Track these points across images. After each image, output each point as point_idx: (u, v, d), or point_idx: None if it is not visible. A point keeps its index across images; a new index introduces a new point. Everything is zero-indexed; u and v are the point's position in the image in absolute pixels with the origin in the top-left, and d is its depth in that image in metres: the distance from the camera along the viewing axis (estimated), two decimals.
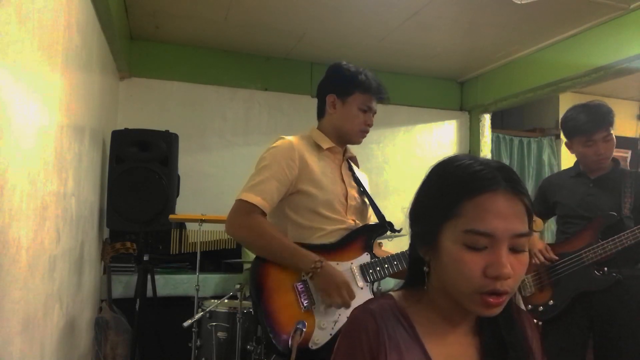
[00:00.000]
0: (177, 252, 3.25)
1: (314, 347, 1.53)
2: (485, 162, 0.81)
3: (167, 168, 2.89)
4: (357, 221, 1.77)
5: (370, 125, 1.79)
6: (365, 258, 1.71)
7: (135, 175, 2.81)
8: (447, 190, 0.80)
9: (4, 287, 1.19)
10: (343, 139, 1.80)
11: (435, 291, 0.84)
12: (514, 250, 0.77)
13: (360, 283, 1.66)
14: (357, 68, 1.78)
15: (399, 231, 1.80)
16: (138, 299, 2.77)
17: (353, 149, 1.89)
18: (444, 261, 0.79)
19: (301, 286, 1.60)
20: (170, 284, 3.26)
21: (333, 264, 1.63)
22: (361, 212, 1.82)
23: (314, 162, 1.71)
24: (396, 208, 4.28)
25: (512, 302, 0.82)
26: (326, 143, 1.77)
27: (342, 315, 1.59)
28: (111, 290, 2.85)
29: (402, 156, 4.47)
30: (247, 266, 3.18)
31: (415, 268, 0.88)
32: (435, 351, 0.82)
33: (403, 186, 4.33)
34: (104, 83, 2.90)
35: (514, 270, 0.76)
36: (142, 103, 3.76)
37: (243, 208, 1.61)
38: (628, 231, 2.02)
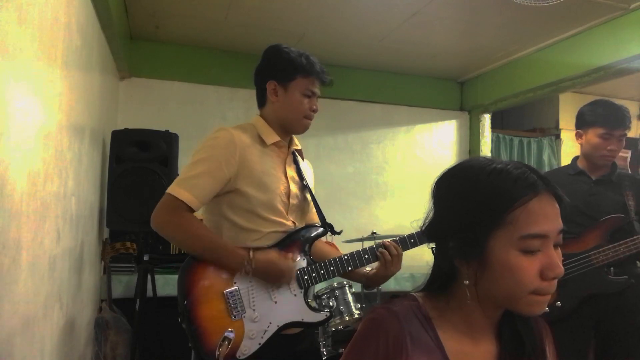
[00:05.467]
0: (177, 252, 3.25)
1: (242, 357, 1.48)
2: (514, 165, 0.81)
3: (167, 168, 2.89)
4: (297, 222, 1.67)
5: (315, 111, 1.66)
6: (301, 263, 1.61)
7: (135, 175, 2.81)
8: (492, 201, 0.79)
9: (4, 287, 1.19)
10: (287, 129, 1.67)
11: (466, 300, 0.83)
12: (555, 246, 0.80)
13: (294, 290, 1.58)
14: (297, 50, 1.66)
15: (339, 233, 1.71)
16: (138, 299, 2.77)
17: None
18: (496, 270, 0.78)
19: (232, 294, 1.53)
20: (170, 284, 3.26)
21: None
22: (302, 209, 1.71)
23: (256, 158, 1.58)
24: (396, 208, 4.30)
25: None
26: (270, 137, 1.64)
27: (272, 325, 1.53)
28: (111, 290, 2.85)
29: (402, 156, 4.47)
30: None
31: (442, 279, 0.87)
32: (455, 357, 0.83)
33: (403, 186, 4.34)
34: (104, 83, 2.90)
35: None
36: (142, 103, 3.76)
37: (170, 203, 1.51)
38: None
